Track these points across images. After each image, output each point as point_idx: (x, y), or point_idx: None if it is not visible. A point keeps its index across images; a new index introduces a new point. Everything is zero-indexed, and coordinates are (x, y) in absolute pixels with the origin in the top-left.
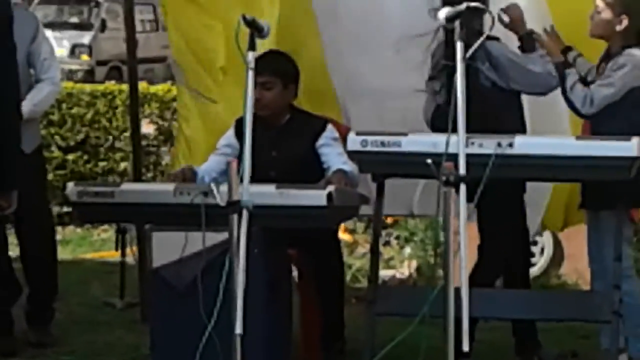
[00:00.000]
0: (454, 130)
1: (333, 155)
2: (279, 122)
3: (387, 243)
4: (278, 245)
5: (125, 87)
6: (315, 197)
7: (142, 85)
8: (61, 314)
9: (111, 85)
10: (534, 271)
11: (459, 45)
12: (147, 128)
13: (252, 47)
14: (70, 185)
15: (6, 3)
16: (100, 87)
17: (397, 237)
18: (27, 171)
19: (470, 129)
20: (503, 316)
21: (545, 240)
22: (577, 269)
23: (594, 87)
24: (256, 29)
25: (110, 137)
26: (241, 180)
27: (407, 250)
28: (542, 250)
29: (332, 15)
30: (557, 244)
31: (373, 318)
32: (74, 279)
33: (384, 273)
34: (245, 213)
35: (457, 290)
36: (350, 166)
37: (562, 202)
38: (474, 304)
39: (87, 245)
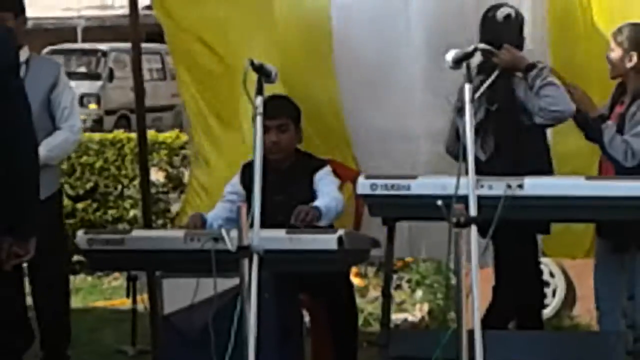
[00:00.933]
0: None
1: (320, 193)
2: (283, 166)
3: (398, 287)
4: (289, 290)
5: (133, 135)
6: (326, 241)
7: (150, 133)
8: None
9: (120, 133)
10: (546, 312)
11: (467, 87)
12: (156, 175)
13: (260, 91)
14: (80, 233)
15: (8, 47)
16: (109, 136)
17: (409, 281)
18: (42, 218)
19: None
20: (517, 359)
21: (558, 281)
22: (589, 310)
23: (630, 138)
24: (264, 74)
25: (120, 185)
26: (251, 225)
27: (419, 293)
28: (554, 291)
29: (350, 60)
30: (569, 285)
31: None
32: (85, 327)
33: (396, 317)
34: (255, 258)
35: (470, 333)
36: (331, 200)
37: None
38: (487, 346)
39: (98, 294)
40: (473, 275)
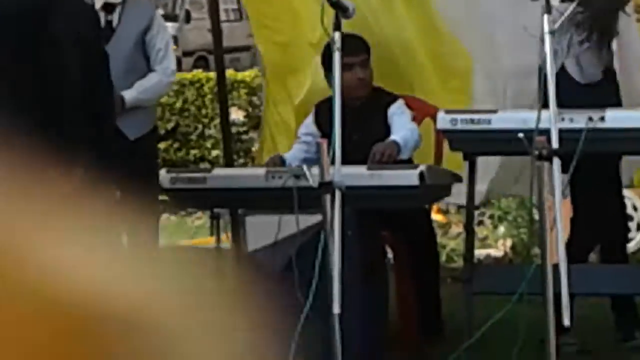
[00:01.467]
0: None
1: (394, 127)
2: (357, 104)
3: (480, 222)
4: (371, 227)
5: (212, 74)
6: (407, 176)
7: (229, 72)
8: None
9: (199, 73)
10: (630, 247)
11: (545, 18)
12: (236, 114)
13: (337, 27)
14: (163, 172)
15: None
16: (188, 76)
17: (491, 217)
18: (132, 158)
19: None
20: (602, 292)
21: None
22: None
23: None
24: (341, 9)
25: (200, 125)
26: (332, 162)
27: (501, 229)
28: (639, 225)
29: None
30: None
31: (470, 297)
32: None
33: (479, 252)
34: (338, 194)
35: (555, 267)
36: (407, 132)
37: None
38: (572, 280)
39: (182, 233)
40: (557, 208)
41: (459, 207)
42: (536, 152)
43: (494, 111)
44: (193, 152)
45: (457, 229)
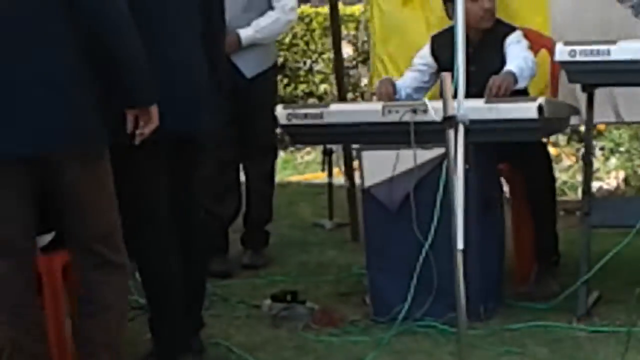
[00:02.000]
0: None
1: (509, 56)
2: (472, 36)
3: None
4: (489, 160)
5: (321, 9)
6: (526, 109)
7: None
8: (272, 237)
9: (307, 8)
10: None
11: None
12: (345, 49)
13: None
14: (279, 108)
15: None
16: (297, 11)
17: (602, 149)
18: (250, 96)
19: None
20: None
21: None
22: None
23: None
24: None
25: (309, 60)
26: (454, 96)
27: (613, 161)
28: None
29: None
30: None
31: (589, 230)
32: (282, 202)
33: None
34: (461, 128)
35: None
36: (523, 60)
37: None
38: None
39: (291, 169)
40: None
41: (569, 138)
42: None
43: (613, 42)
44: (301, 87)
45: (569, 161)
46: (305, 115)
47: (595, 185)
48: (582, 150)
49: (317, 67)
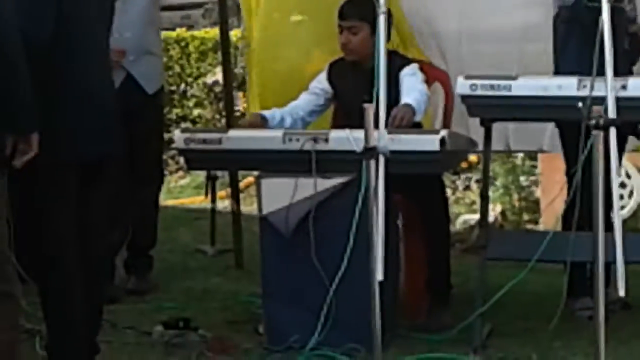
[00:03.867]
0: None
1: (405, 89)
2: (367, 66)
3: (467, 187)
4: (387, 191)
5: (197, 33)
6: (428, 141)
7: (212, 32)
8: (154, 262)
9: (183, 32)
10: (623, 214)
11: None
12: (219, 75)
13: None
14: (177, 132)
15: None
16: (173, 35)
17: (477, 181)
18: (145, 115)
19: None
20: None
21: (634, 182)
22: None
23: None
24: None
25: (183, 84)
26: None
27: (489, 194)
28: (631, 192)
29: None
30: None
31: (485, 263)
32: (160, 227)
33: (469, 217)
34: (382, 159)
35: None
36: (419, 94)
37: None
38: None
39: (165, 192)
40: (613, 177)
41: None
42: (593, 122)
43: (514, 77)
44: (176, 110)
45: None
46: (204, 140)
47: (473, 217)
48: (457, 181)
49: (191, 91)
